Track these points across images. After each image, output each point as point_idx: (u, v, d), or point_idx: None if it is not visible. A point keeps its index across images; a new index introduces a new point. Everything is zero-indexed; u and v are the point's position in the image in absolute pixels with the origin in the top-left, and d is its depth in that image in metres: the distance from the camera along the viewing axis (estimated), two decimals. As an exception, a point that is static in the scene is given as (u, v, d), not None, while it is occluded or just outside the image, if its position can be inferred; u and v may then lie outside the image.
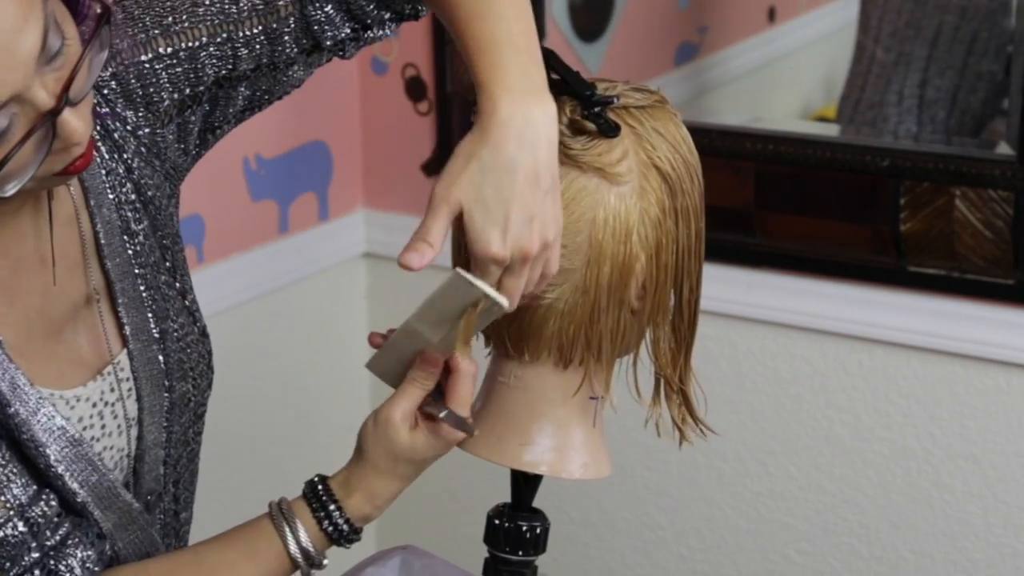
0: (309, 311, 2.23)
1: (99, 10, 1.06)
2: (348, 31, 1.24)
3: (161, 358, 1.23)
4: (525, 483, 1.25)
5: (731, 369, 2.05)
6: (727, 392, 2.05)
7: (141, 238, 1.23)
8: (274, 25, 1.22)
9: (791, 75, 2.50)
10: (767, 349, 2.03)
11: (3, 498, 1.11)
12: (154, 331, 1.23)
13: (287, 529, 1.18)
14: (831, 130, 2.27)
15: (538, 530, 1.24)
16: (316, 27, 1.23)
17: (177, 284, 1.26)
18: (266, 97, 1.27)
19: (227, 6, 1.21)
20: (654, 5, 2.36)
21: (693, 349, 1.26)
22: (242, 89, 1.24)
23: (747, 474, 2.08)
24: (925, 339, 1.92)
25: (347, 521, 1.19)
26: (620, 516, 2.18)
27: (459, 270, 1.13)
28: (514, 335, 1.21)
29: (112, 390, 1.20)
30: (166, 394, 1.24)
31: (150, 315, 1.23)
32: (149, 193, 1.24)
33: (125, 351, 1.21)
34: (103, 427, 1.20)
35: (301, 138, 2.16)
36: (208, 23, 1.20)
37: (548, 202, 1.11)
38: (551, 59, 1.19)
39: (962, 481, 1.94)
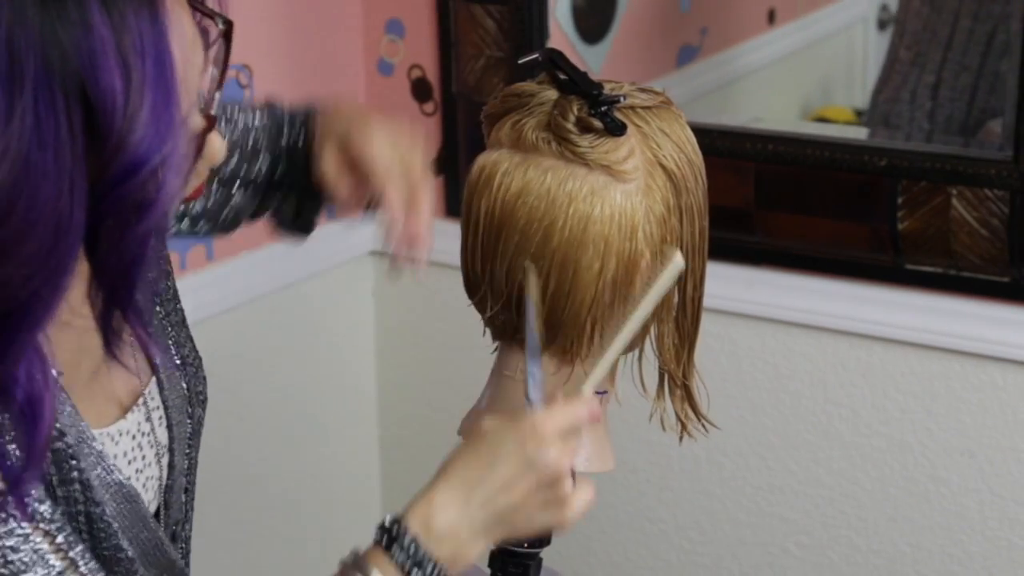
0: (317, 308, 2.23)
1: (222, 26, 1.04)
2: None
3: (184, 385, 1.22)
4: (531, 476, 1.26)
5: (731, 365, 2.06)
6: (727, 388, 2.06)
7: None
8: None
9: (790, 76, 2.51)
10: (767, 345, 2.04)
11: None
12: (176, 358, 1.22)
13: None
14: (830, 130, 2.28)
15: (543, 523, 1.25)
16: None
17: (180, 309, 1.26)
18: (220, 216, 1.38)
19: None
20: (655, 7, 2.36)
21: (697, 345, 1.27)
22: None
23: (747, 468, 2.09)
24: (922, 336, 1.92)
25: (421, 552, 1.06)
26: (622, 509, 2.19)
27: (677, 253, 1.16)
28: (520, 329, 1.22)
29: (147, 419, 1.18)
30: (189, 420, 1.23)
31: (171, 343, 1.22)
32: None
33: (154, 379, 1.19)
34: (143, 458, 1.17)
35: (308, 138, 2.18)
36: None
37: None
38: (559, 59, 1.21)
39: (959, 476, 1.95)
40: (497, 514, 1.08)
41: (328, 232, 2.23)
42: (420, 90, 2.20)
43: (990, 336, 1.88)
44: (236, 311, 2.06)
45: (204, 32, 1.02)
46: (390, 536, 1.06)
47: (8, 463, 0.99)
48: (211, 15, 1.03)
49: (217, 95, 1.02)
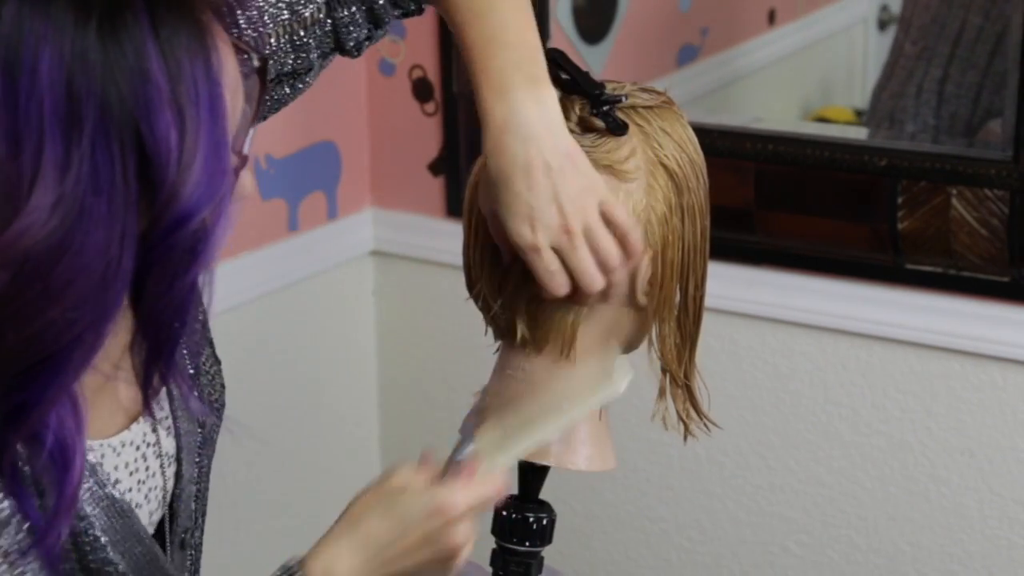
0: (318, 308, 2.24)
1: (257, 62, 1.02)
2: (366, 32, 1.26)
3: (196, 393, 1.21)
4: (532, 475, 1.25)
5: (732, 365, 2.07)
6: (728, 387, 2.06)
7: None
8: (301, 33, 1.22)
9: (790, 76, 2.52)
10: (767, 345, 2.05)
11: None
12: (189, 368, 1.21)
13: None
14: (830, 130, 2.28)
15: (544, 521, 1.24)
16: (343, 30, 1.24)
17: (201, 316, 1.24)
18: (276, 108, 1.27)
19: (255, 22, 1.19)
20: (656, 7, 2.36)
21: (698, 345, 1.28)
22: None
23: (747, 467, 2.10)
24: (922, 335, 1.93)
25: None
26: (623, 508, 2.19)
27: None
28: (522, 327, 1.23)
29: (153, 430, 1.16)
30: (199, 429, 1.22)
31: (185, 352, 1.20)
32: None
33: (164, 390, 1.16)
34: (147, 468, 1.16)
35: (310, 138, 2.18)
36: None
37: (567, 178, 1.13)
38: (561, 59, 1.21)
39: (958, 475, 1.96)
40: (392, 574, 1.11)
41: (329, 232, 2.24)
42: (421, 90, 2.20)
43: (990, 336, 1.89)
44: (237, 310, 2.07)
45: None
46: None
47: (34, 514, 0.98)
48: (247, 51, 1.01)
49: (251, 132, 1.01)
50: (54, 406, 0.95)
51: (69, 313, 0.92)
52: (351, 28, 1.25)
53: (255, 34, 1.20)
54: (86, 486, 1.07)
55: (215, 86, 0.92)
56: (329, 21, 1.24)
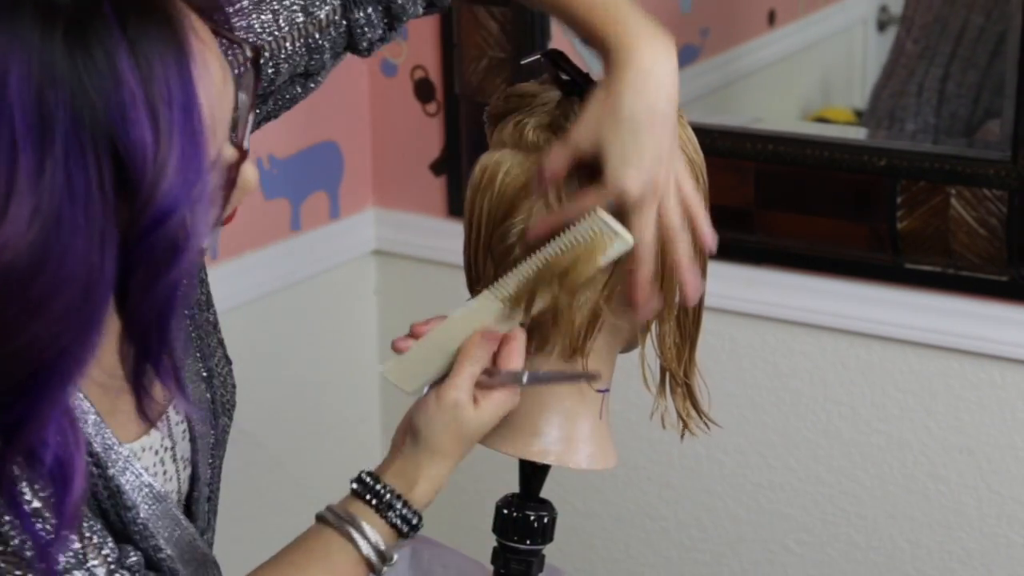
0: (320, 307, 2.24)
1: (250, 53, 1.01)
2: (380, 32, 1.27)
3: (209, 395, 1.21)
4: (533, 473, 1.26)
5: (732, 364, 2.07)
6: (728, 386, 2.06)
7: None
8: (316, 35, 1.22)
9: (790, 77, 2.52)
10: (767, 344, 2.05)
11: (104, 552, 1.04)
12: (202, 371, 1.21)
13: (355, 534, 1.17)
14: (830, 130, 2.28)
15: (546, 519, 1.25)
16: (357, 31, 1.24)
17: (211, 317, 1.24)
18: (287, 107, 1.27)
19: (270, 26, 1.20)
20: (656, 7, 2.36)
21: (698, 344, 1.28)
22: (269, 103, 1.24)
23: (747, 466, 2.10)
24: (921, 334, 1.93)
25: (415, 512, 1.19)
26: (624, 507, 2.20)
27: (598, 209, 1.14)
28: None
29: (169, 435, 1.17)
30: (212, 431, 1.22)
31: (198, 354, 1.20)
32: None
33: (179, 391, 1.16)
34: (165, 473, 1.16)
35: (313, 138, 2.19)
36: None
37: (668, 134, 1.14)
38: (561, 60, 1.21)
39: (957, 473, 1.96)
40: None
41: (331, 231, 2.25)
42: (423, 91, 2.21)
43: (989, 335, 1.89)
44: (239, 310, 2.07)
45: (231, 55, 1.00)
46: (369, 489, 1.23)
47: (36, 533, 0.98)
48: (238, 42, 1.00)
49: (249, 123, 1.00)
50: (49, 422, 0.94)
51: (54, 325, 0.90)
52: (366, 29, 1.25)
53: (270, 38, 1.20)
54: (125, 477, 1.08)
55: (188, 85, 0.91)
56: (344, 23, 1.24)
